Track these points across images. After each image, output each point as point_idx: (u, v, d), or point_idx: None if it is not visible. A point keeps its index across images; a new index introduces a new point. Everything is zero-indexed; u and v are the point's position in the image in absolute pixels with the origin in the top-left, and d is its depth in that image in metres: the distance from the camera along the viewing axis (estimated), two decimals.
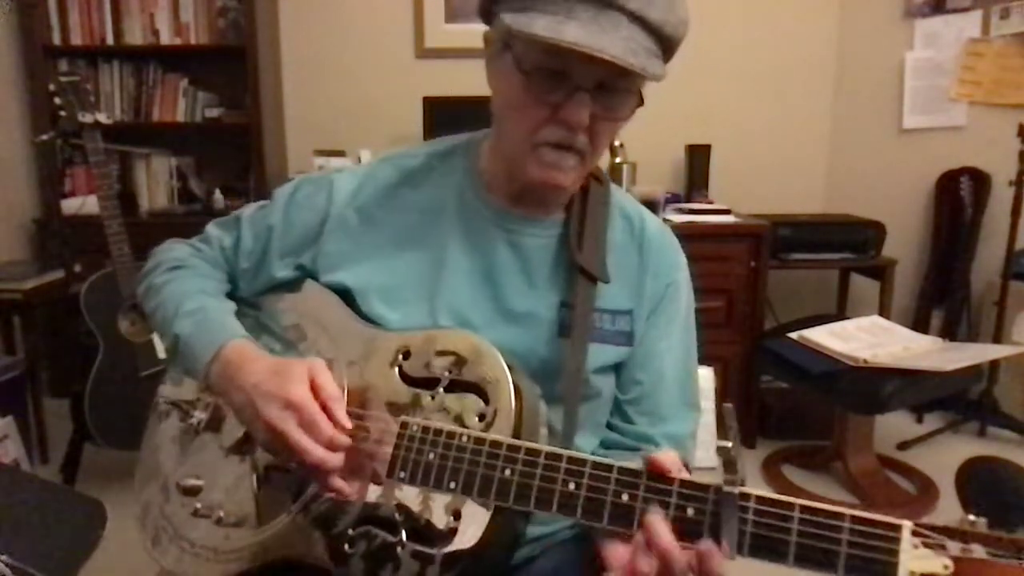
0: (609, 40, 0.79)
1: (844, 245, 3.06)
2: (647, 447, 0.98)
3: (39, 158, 3.24)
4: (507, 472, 0.76)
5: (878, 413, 2.51)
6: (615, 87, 0.85)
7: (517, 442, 0.77)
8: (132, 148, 3.34)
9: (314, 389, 0.85)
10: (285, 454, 0.84)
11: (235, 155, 3.36)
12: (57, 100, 2.36)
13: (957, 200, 3.16)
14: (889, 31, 3.32)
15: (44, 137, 2.70)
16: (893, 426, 2.96)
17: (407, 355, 0.89)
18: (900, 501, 2.51)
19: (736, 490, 0.65)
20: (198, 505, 0.98)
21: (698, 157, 3.26)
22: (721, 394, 2.81)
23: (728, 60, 3.42)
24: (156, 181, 3.38)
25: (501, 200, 0.98)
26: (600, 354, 0.96)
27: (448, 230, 0.99)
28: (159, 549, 1.00)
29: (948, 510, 2.39)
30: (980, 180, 3.11)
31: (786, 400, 2.99)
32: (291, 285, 1.04)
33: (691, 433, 1.04)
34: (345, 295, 1.00)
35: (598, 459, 0.74)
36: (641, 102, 0.88)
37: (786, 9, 3.42)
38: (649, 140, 3.16)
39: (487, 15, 0.90)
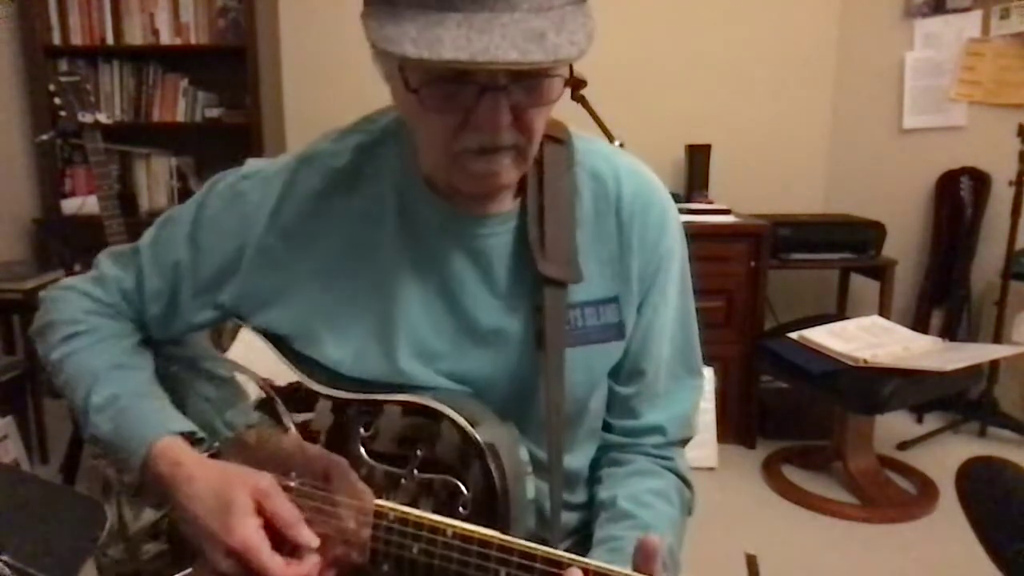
0: (505, 33, 0.62)
1: (844, 245, 3.06)
2: (655, 439, 0.92)
3: (39, 158, 3.25)
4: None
5: (878, 413, 2.51)
6: (534, 73, 0.68)
7: (508, 540, 0.69)
8: (132, 148, 3.34)
9: (265, 517, 0.75)
10: None
11: (235, 155, 3.29)
12: (57, 100, 2.35)
13: (957, 200, 3.16)
14: (889, 31, 3.32)
15: (44, 137, 2.71)
16: (893, 426, 2.96)
17: (368, 426, 0.81)
18: (900, 501, 2.51)
19: None
20: None
21: (698, 157, 3.25)
22: (721, 394, 2.82)
23: (728, 60, 3.40)
24: (156, 181, 3.38)
25: (446, 197, 0.82)
26: (587, 360, 0.85)
27: (392, 243, 0.84)
28: None
29: (948, 510, 2.39)
30: (980, 180, 3.11)
31: (786, 400, 2.99)
32: (216, 322, 0.91)
33: (694, 406, 0.95)
34: (282, 340, 0.87)
35: (602, 566, 0.65)
36: (571, 76, 0.72)
37: (786, 9, 3.41)
38: (649, 140, 3.15)
39: None
